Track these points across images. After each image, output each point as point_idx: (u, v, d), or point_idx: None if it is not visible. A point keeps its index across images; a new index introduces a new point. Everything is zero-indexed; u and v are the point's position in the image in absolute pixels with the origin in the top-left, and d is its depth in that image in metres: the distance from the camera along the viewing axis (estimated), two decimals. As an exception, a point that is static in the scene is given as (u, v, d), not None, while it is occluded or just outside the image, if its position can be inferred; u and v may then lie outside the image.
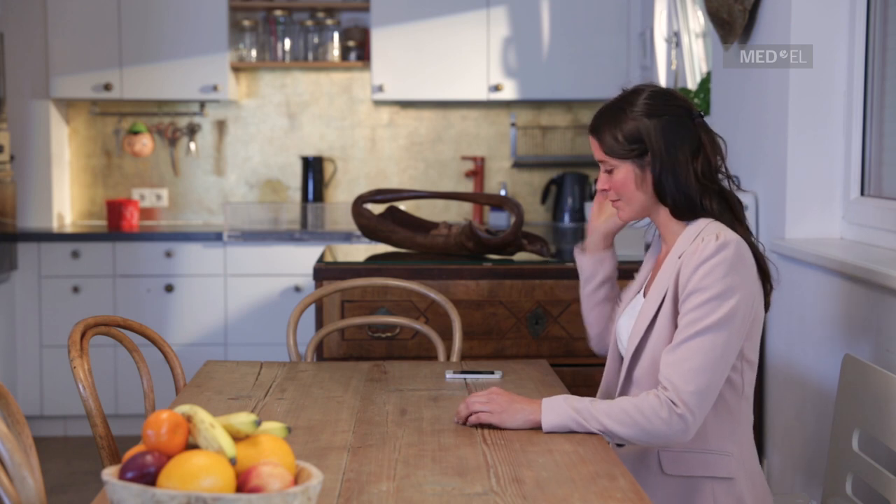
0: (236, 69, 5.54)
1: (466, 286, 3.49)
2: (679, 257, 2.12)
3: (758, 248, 2.15)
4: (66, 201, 5.59)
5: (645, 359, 2.17)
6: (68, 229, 5.34)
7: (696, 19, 4.68)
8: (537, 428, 2.04)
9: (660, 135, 2.12)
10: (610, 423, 2.03)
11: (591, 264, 2.43)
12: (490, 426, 2.05)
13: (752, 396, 2.20)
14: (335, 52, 5.56)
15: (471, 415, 2.08)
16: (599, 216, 2.41)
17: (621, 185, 2.18)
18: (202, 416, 1.43)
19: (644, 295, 2.26)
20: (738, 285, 2.04)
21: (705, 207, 2.14)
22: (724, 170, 2.19)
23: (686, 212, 2.15)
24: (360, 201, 3.69)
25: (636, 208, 2.20)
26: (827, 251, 2.92)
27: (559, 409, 2.05)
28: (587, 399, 2.08)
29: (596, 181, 4.70)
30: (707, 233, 2.10)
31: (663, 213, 2.19)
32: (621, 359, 2.28)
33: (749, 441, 2.20)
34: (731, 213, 2.16)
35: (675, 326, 2.10)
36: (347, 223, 5.38)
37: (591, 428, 2.03)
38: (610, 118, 2.17)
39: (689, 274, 2.07)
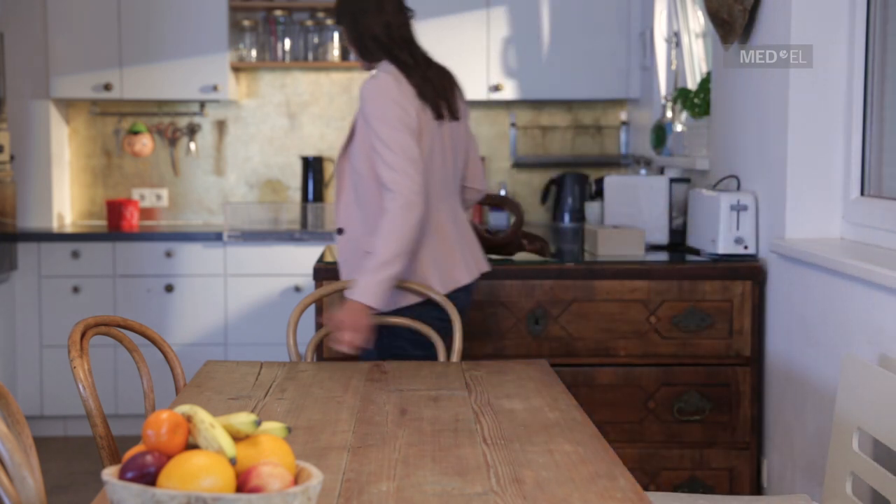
0: (236, 69, 5.54)
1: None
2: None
3: (416, 74, 2.97)
4: (66, 201, 5.59)
5: (353, 172, 3.02)
6: (68, 229, 5.34)
7: (696, 19, 4.68)
8: (374, 311, 2.81)
9: (341, 6, 3.12)
10: (386, 250, 2.79)
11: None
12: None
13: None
14: (335, 52, 5.56)
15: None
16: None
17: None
18: (202, 416, 1.43)
19: None
20: (392, 108, 2.87)
21: (374, 54, 3.02)
22: (397, 29, 3.01)
23: (361, 57, 3.08)
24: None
25: (360, 61, 3.12)
26: (827, 251, 2.92)
27: (366, 287, 2.79)
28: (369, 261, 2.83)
29: (596, 181, 4.70)
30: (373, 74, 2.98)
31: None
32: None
33: (424, 224, 2.92)
34: (407, 59, 2.98)
35: (366, 144, 2.94)
36: (347, 223, 5.37)
37: (391, 272, 2.79)
38: None
39: (360, 106, 2.96)
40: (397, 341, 3.01)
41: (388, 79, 2.93)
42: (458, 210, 3.12)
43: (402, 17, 3.05)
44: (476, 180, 3.25)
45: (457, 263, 3.03)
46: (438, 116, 3.00)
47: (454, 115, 3.08)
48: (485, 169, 5.72)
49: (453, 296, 3.00)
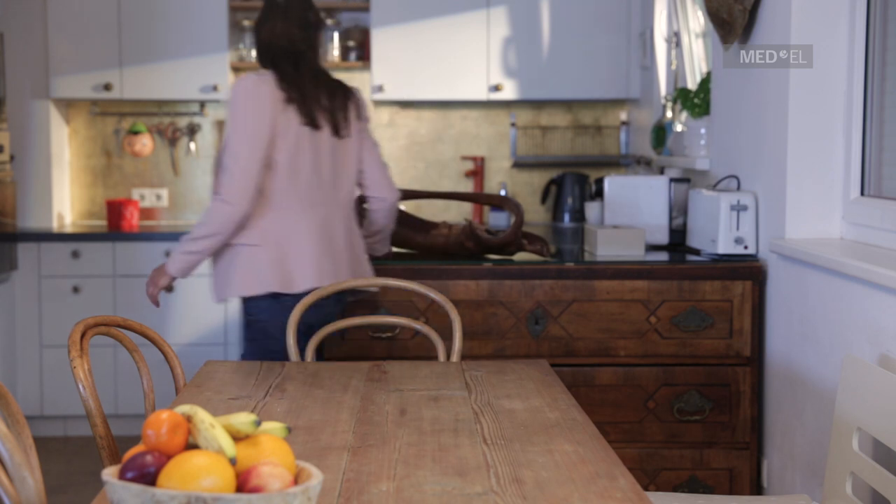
0: (236, 69, 5.54)
1: (466, 286, 3.49)
2: None
3: (293, 83, 3.11)
4: (66, 201, 5.59)
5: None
6: (68, 229, 5.34)
7: (696, 19, 4.68)
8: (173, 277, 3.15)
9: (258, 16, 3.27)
10: (197, 230, 3.05)
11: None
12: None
13: (278, 190, 3.09)
14: (335, 52, 5.56)
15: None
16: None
17: None
18: (202, 416, 1.43)
19: None
20: (239, 110, 3.05)
21: (264, 61, 3.20)
22: (288, 43, 3.16)
23: (259, 63, 3.24)
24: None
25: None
26: (827, 251, 2.92)
27: (172, 257, 3.13)
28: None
29: (596, 181, 4.70)
30: None
31: None
32: None
33: (272, 223, 3.09)
34: (287, 69, 3.14)
35: None
36: (347, 223, 5.37)
37: (193, 248, 3.07)
38: None
39: None
40: (275, 345, 3.10)
41: (252, 79, 3.09)
42: (336, 220, 3.15)
43: (298, 32, 3.18)
44: (377, 188, 3.28)
45: (305, 269, 3.06)
46: (310, 124, 3.09)
47: (337, 132, 3.15)
48: (485, 169, 5.75)
49: (317, 303, 3.01)
